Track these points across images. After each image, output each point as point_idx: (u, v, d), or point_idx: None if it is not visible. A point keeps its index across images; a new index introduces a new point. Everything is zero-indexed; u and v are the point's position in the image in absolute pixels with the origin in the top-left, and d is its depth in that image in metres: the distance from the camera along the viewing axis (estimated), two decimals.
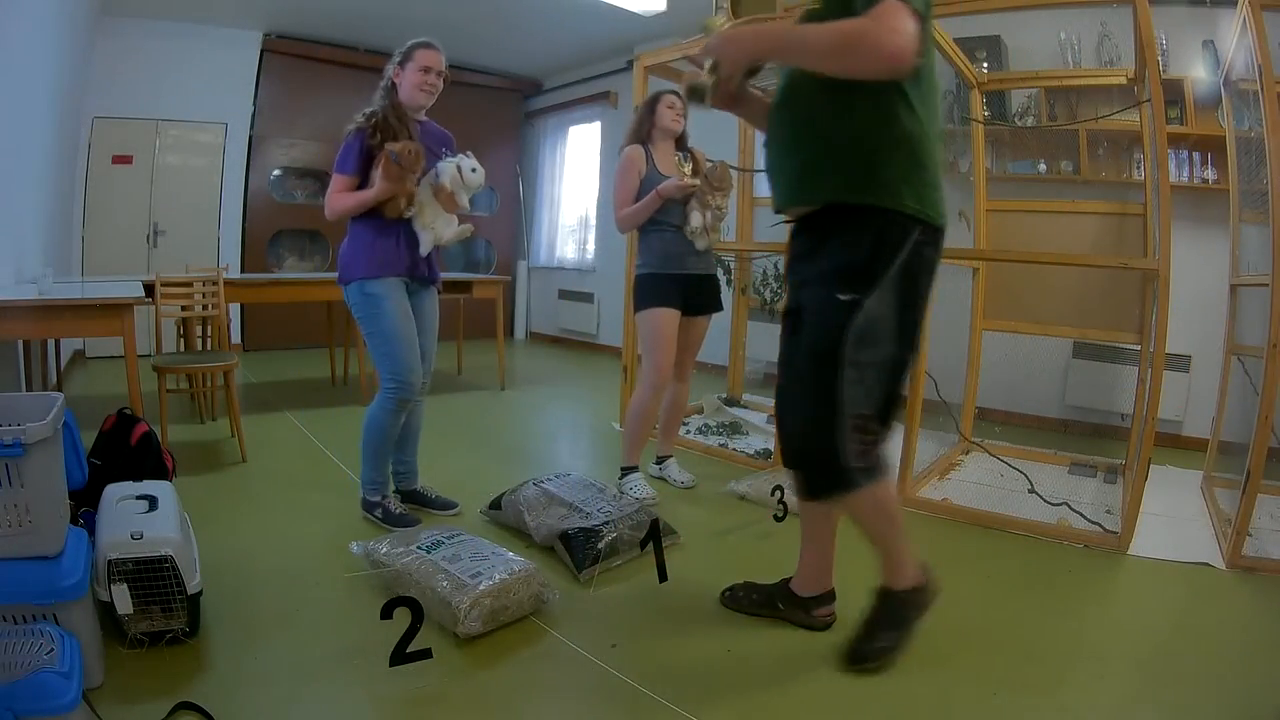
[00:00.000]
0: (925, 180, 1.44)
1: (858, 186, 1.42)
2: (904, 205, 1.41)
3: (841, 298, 1.42)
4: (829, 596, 1.82)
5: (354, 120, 2.21)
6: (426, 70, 2.21)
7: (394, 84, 2.24)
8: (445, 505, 2.49)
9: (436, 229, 2.26)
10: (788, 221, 1.61)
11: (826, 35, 1.32)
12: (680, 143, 2.74)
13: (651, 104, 2.68)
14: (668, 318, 2.63)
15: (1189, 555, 2.36)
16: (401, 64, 2.23)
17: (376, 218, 2.21)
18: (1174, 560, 2.32)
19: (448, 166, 2.21)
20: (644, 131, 2.67)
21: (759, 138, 4.54)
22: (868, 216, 1.42)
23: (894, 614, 1.62)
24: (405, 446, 2.49)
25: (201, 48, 5.64)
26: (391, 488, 2.46)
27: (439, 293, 2.44)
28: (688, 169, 2.62)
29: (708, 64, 1.48)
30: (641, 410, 2.71)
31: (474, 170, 2.22)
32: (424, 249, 2.27)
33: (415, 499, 2.51)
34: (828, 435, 1.43)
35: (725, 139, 3.76)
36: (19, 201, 3.18)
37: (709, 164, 2.67)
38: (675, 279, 2.65)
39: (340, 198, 2.21)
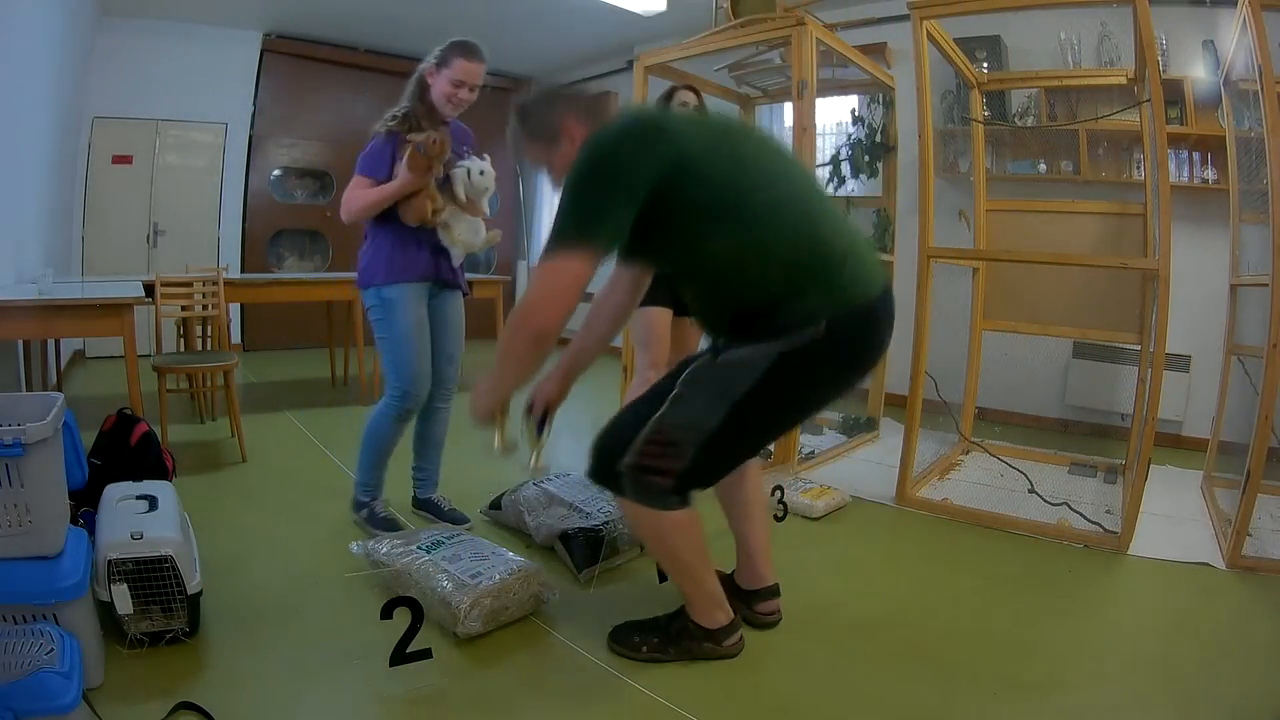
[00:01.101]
0: (814, 285, 1.38)
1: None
2: (788, 335, 1.38)
3: (709, 348, 1.49)
4: (770, 592, 1.80)
5: (384, 121, 2.12)
6: (459, 84, 2.11)
7: (426, 83, 2.15)
8: (456, 520, 2.39)
9: (465, 239, 2.20)
10: None
11: (501, 348, 1.45)
12: None
13: (666, 99, 2.69)
14: (659, 314, 2.65)
15: (1189, 555, 2.35)
16: (438, 66, 2.13)
17: (395, 221, 2.13)
18: (1174, 560, 2.32)
19: (459, 174, 2.15)
20: None
21: None
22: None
23: (675, 632, 1.63)
24: (425, 454, 2.43)
25: (201, 48, 5.63)
26: (383, 492, 2.39)
27: (465, 296, 2.37)
28: None
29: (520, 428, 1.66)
30: None
31: (482, 173, 2.16)
32: (456, 260, 2.22)
33: (428, 508, 2.44)
34: (627, 430, 1.46)
35: None
36: (19, 202, 3.18)
37: None
38: (669, 279, 2.65)
39: (358, 195, 2.09)
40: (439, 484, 2.49)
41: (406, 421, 2.27)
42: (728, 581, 1.81)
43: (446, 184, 2.16)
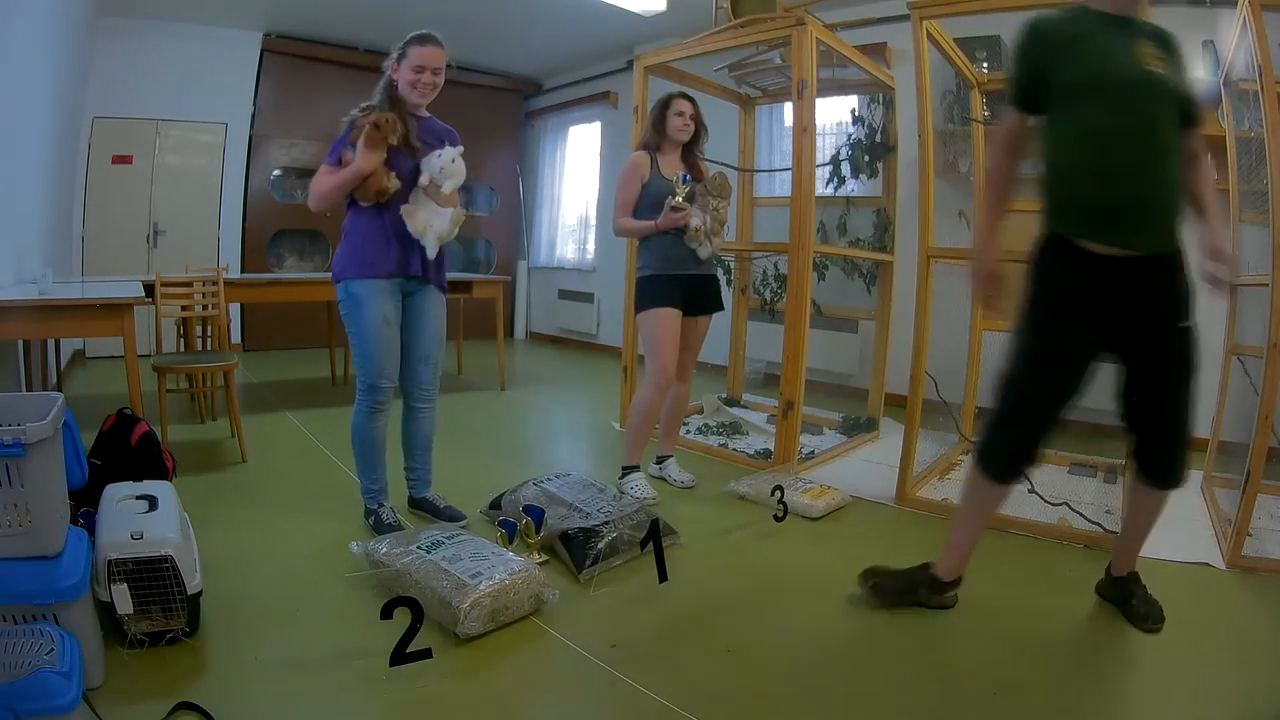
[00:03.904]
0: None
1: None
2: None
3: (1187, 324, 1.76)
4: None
5: (349, 113, 2.17)
6: (420, 70, 2.16)
7: (393, 80, 2.21)
8: (453, 517, 2.40)
9: (435, 226, 2.21)
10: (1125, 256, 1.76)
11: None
12: (689, 148, 2.75)
13: (663, 109, 2.69)
14: (669, 317, 2.63)
15: (1189, 555, 2.36)
16: (398, 60, 2.19)
17: (366, 217, 2.17)
18: (1174, 560, 2.32)
19: (426, 160, 2.18)
20: (653, 139, 2.70)
21: (759, 139, 4.55)
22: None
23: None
24: (413, 453, 2.44)
25: (201, 48, 5.64)
26: (389, 496, 2.39)
27: (444, 293, 2.37)
28: (681, 193, 2.61)
29: None
30: (645, 409, 2.70)
31: (454, 160, 2.17)
32: (430, 252, 2.23)
33: (423, 507, 2.45)
34: (1188, 427, 1.79)
35: (725, 139, 3.76)
36: (19, 201, 3.18)
37: (712, 174, 2.69)
38: (676, 279, 2.65)
39: (320, 180, 2.16)
40: (432, 483, 2.50)
41: (380, 416, 2.29)
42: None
43: (417, 173, 2.19)
